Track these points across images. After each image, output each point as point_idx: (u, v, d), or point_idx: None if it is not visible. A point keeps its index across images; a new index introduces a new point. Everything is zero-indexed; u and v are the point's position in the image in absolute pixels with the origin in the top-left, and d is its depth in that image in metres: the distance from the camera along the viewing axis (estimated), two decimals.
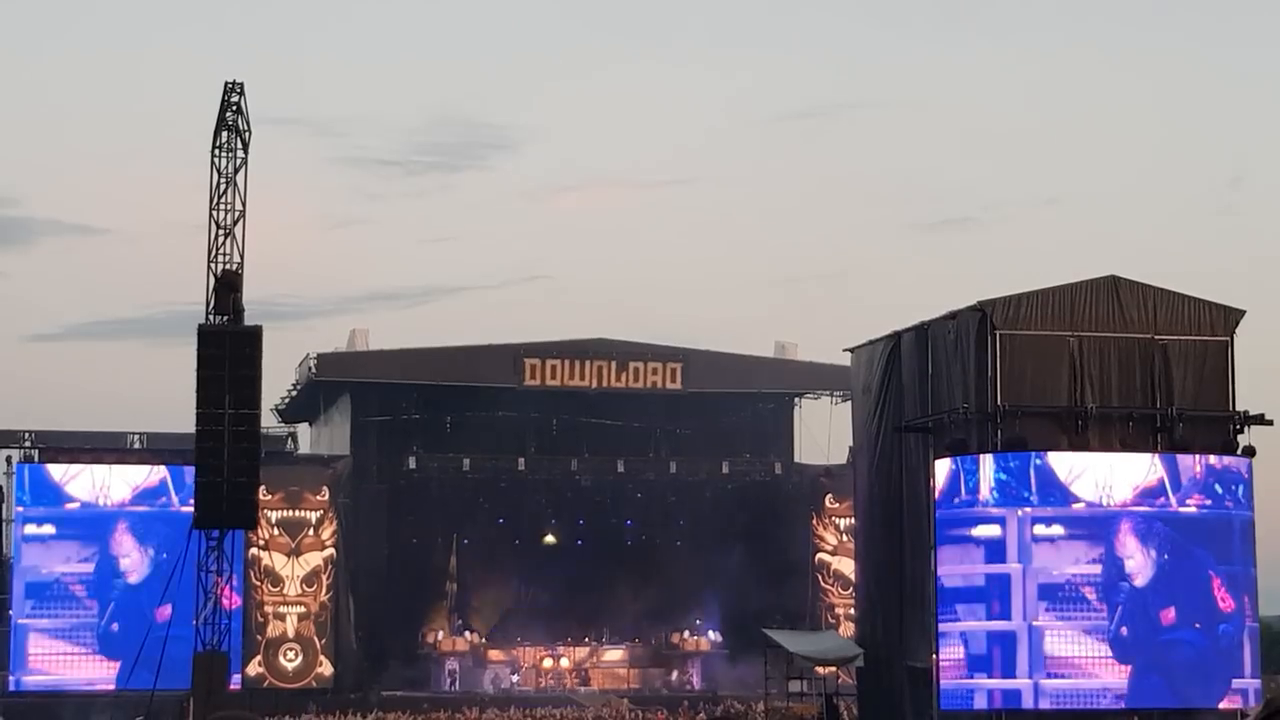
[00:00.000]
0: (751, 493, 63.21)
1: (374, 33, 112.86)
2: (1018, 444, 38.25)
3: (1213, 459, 40.08)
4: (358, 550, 59.07)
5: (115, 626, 53.70)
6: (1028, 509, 39.88)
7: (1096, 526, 40.44)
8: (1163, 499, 40.26)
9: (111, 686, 52.16)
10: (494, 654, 62.63)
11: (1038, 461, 40.07)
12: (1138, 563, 40.58)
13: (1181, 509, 40.28)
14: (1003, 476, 40.06)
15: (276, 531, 56.85)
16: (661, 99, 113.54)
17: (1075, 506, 39.97)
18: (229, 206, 40.94)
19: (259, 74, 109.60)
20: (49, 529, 54.74)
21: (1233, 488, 40.63)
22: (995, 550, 40.01)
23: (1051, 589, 39.92)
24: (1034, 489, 39.91)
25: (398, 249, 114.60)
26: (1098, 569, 40.33)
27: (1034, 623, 39.23)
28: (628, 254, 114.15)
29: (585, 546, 64.41)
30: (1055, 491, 40.07)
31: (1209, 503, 40.66)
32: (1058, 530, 40.20)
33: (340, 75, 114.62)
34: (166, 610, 45.77)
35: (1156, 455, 39.86)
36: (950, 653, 39.92)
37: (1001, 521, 40.12)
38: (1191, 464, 40.16)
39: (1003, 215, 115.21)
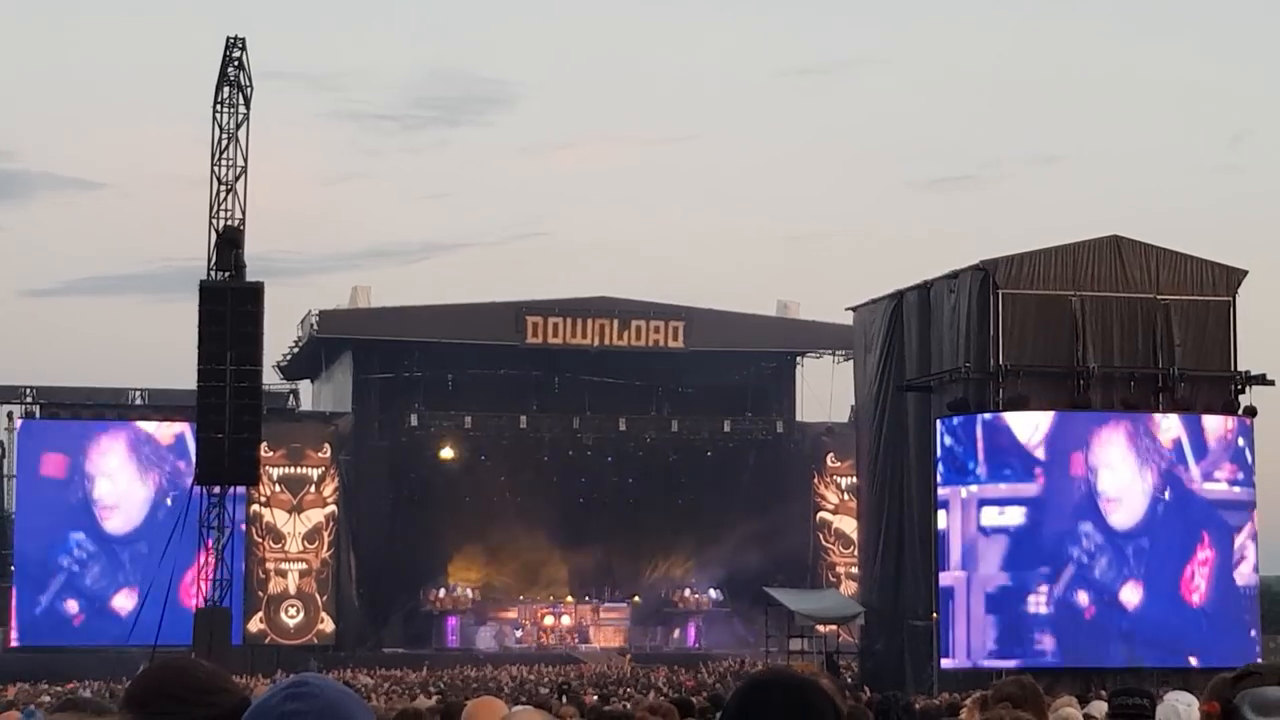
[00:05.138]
0: (753, 451, 63.21)
1: None
2: (1019, 403, 38.14)
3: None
4: (359, 507, 59.13)
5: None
6: (974, 487, 36.73)
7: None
8: (1181, 468, 36.86)
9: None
10: (495, 611, 62.71)
11: (986, 416, 36.31)
12: (1123, 485, 35.80)
13: (1208, 484, 36.85)
14: (948, 440, 37.20)
15: (278, 488, 56.87)
16: (663, 55, 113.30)
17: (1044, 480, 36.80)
18: (231, 162, 40.83)
19: (256, 27, 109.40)
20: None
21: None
22: (940, 549, 36.97)
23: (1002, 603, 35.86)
24: (980, 455, 36.71)
25: (397, 205, 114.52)
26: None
27: (981, 664, 36.19)
28: (629, 211, 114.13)
29: (587, 504, 64.39)
30: (1013, 459, 36.46)
31: (1241, 476, 37.06)
32: (1016, 518, 36.51)
33: (338, 29, 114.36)
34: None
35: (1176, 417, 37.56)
36: None
37: (945, 504, 37.24)
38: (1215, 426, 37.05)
39: (1004, 173, 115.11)
